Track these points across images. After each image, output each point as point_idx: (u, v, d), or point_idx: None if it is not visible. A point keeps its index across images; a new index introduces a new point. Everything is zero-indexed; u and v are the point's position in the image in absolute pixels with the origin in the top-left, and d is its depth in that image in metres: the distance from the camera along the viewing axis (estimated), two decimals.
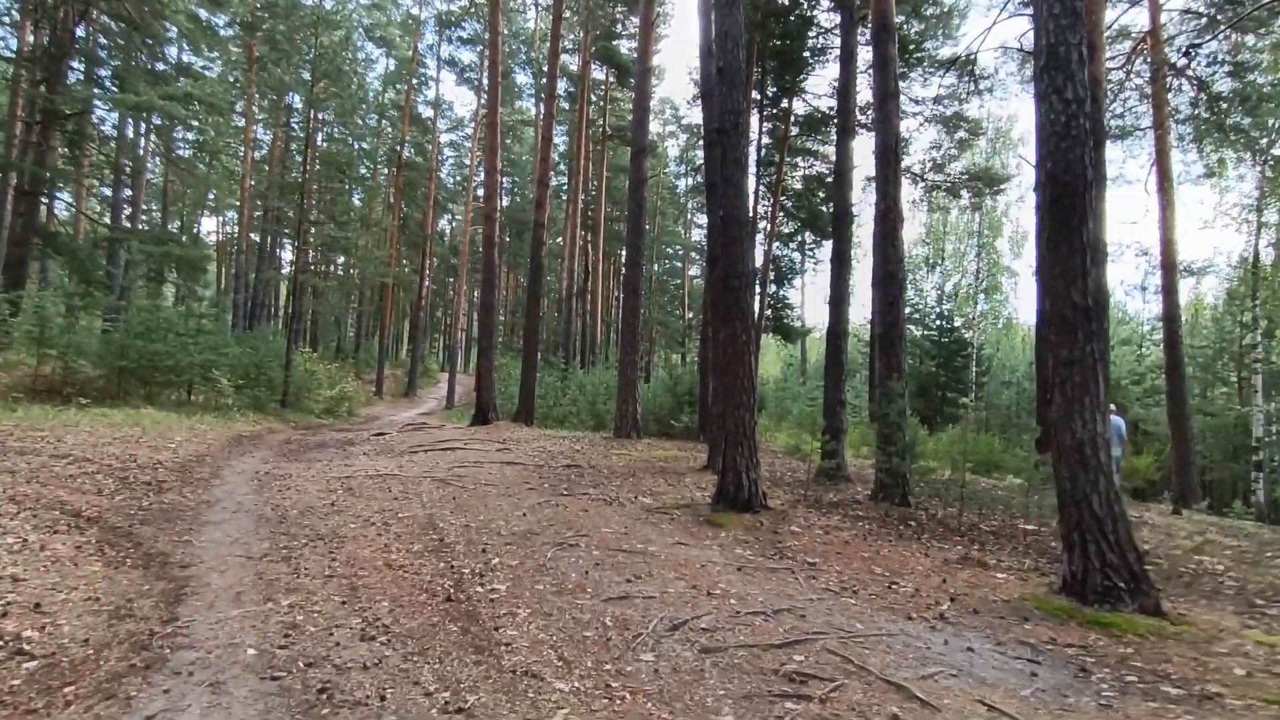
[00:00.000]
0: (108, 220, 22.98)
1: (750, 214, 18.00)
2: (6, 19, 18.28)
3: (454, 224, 53.48)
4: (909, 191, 25.13)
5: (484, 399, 16.40)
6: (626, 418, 14.01)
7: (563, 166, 40.03)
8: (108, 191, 28.94)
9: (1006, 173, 22.66)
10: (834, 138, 18.09)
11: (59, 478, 7.03)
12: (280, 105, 33.48)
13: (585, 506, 6.86)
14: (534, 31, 33.22)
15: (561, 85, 32.50)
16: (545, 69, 32.77)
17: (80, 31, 18.38)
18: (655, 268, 45.29)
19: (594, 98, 29.12)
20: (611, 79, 28.43)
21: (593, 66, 27.04)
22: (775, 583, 4.76)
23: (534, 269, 16.56)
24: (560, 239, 35.34)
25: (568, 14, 18.85)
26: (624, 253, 43.53)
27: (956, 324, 25.83)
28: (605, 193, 30.38)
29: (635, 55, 26.21)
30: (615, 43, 25.27)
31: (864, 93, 15.74)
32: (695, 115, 43.22)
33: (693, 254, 44.65)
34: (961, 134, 19.62)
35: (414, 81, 35.62)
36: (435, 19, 34.29)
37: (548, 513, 6.55)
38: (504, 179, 40.36)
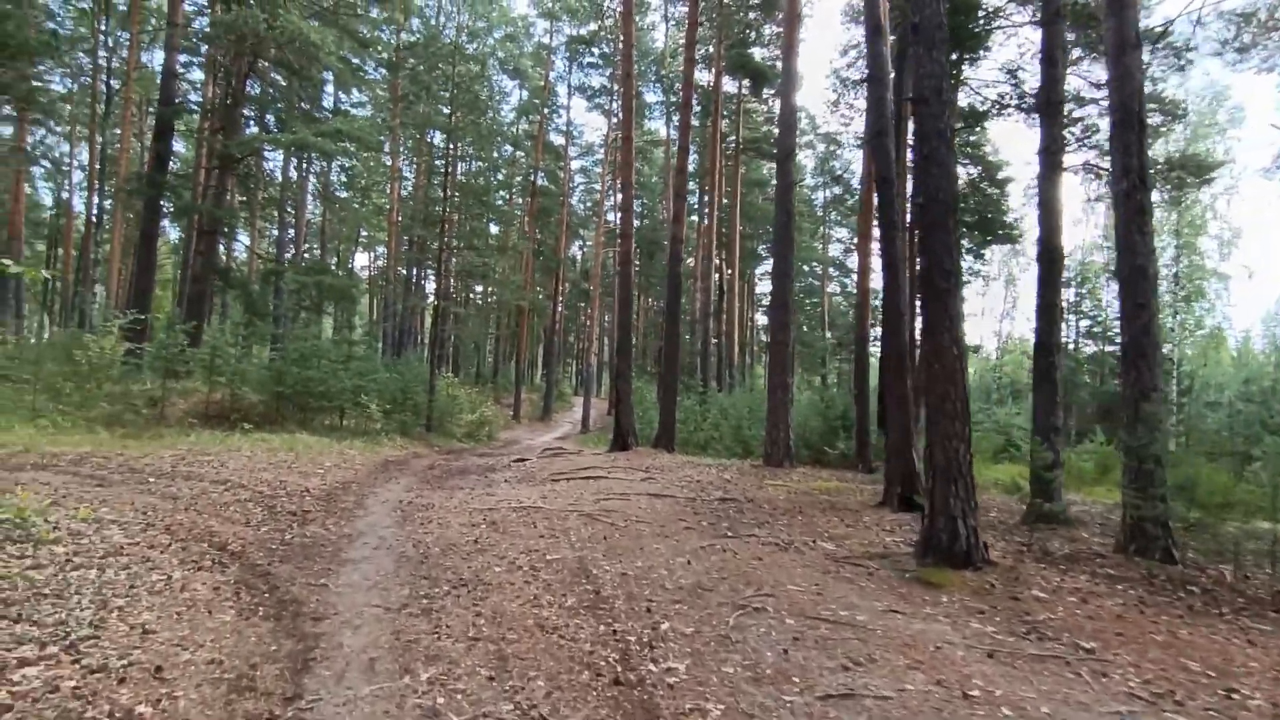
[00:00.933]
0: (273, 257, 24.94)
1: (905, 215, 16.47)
2: (191, 76, 20.07)
3: (585, 249, 54.53)
4: (1083, 189, 22.22)
5: (623, 424, 15.74)
6: (778, 444, 12.80)
7: (692, 185, 39.67)
8: (276, 232, 31.64)
9: (1215, 159, 19.42)
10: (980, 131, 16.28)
11: (214, 505, 6.90)
12: (422, 142, 35.32)
13: (757, 553, 5.80)
14: (663, 50, 33.05)
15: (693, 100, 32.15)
16: (673, 84, 32.66)
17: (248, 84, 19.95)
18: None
19: (725, 111, 28.33)
20: (745, 89, 27.51)
21: (725, 79, 26.25)
22: (1049, 679, 3.48)
23: (671, 287, 15.79)
24: (691, 259, 34.73)
25: (702, 20, 18.15)
26: (766, 269, 42.40)
27: None
28: (739, 209, 29.34)
29: (771, 62, 25.27)
30: (750, 50, 24.33)
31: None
32: (833, 124, 41.49)
33: (830, 270, 42.66)
34: (1157, 118, 16.97)
35: (545, 110, 36.50)
36: (565, 45, 34.99)
37: (715, 560, 5.56)
38: (635, 200, 40.43)
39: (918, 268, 7.26)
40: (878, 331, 20.50)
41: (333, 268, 25.94)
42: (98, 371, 12.41)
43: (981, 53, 15.70)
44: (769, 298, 13.17)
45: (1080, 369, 25.90)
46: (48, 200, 38.35)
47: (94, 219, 25.91)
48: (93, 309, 22.89)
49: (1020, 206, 27.26)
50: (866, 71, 9.43)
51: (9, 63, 12.19)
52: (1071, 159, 17.00)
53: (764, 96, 27.61)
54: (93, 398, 11.89)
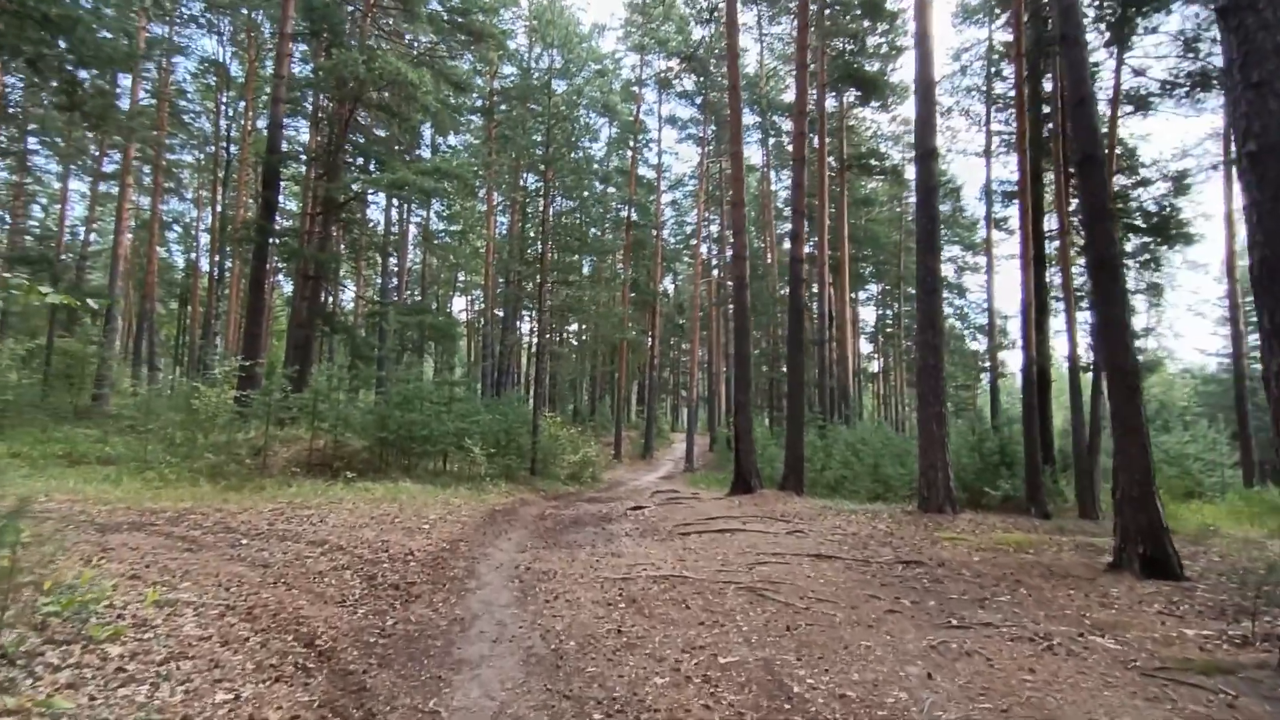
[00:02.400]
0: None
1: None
2: (297, 133, 20.44)
3: (678, 283, 53.65)
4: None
5: (744, 464, 14.17)
6: (935, 486, 10.88)
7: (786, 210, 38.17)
8: (380, 280, 32.29)
9: None
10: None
11: (308, 575, 5.88)
12: (516, 184, 35.47)
13: (1016, 658, 4.13)
14: (757, 73, 31.97)
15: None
16: (769, 106, 31.45)
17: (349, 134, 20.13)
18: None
19: (828, 129, 26.78)
20: (849, 102, 25.87)
21: (828, 95, 24.73)
22: None
23: (793, 310, 14.25)
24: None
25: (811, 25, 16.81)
26: (868, 294, 39.79)
27: None
28: (846, 230, 27.47)
29: (881, 71, 23.64)
30: (857, 59, 22.76)
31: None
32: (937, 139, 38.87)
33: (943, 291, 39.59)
34: None
35: (634, 143, 36.02)
36: (655, 81, 34.53)
37: (962, 669, 3.94)
38: (729, 230, 39.20)
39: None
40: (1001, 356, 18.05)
41: (429, 306, 25.79)
42: (206, 421, 12.06)
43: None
44: (916, 317, 11.38)
45: None
46: (180, 262, 41.01)
47: (215, 274, 27.06)
48: (212, 359, 23.63)
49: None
50: (1061, 32, 7.74)
51: (87, 70, 12.26)
52: None
53: (872, 105, 25.84)
54: (199, 448, 11.48)
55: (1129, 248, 17.83)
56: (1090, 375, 15.14)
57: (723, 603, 5.35)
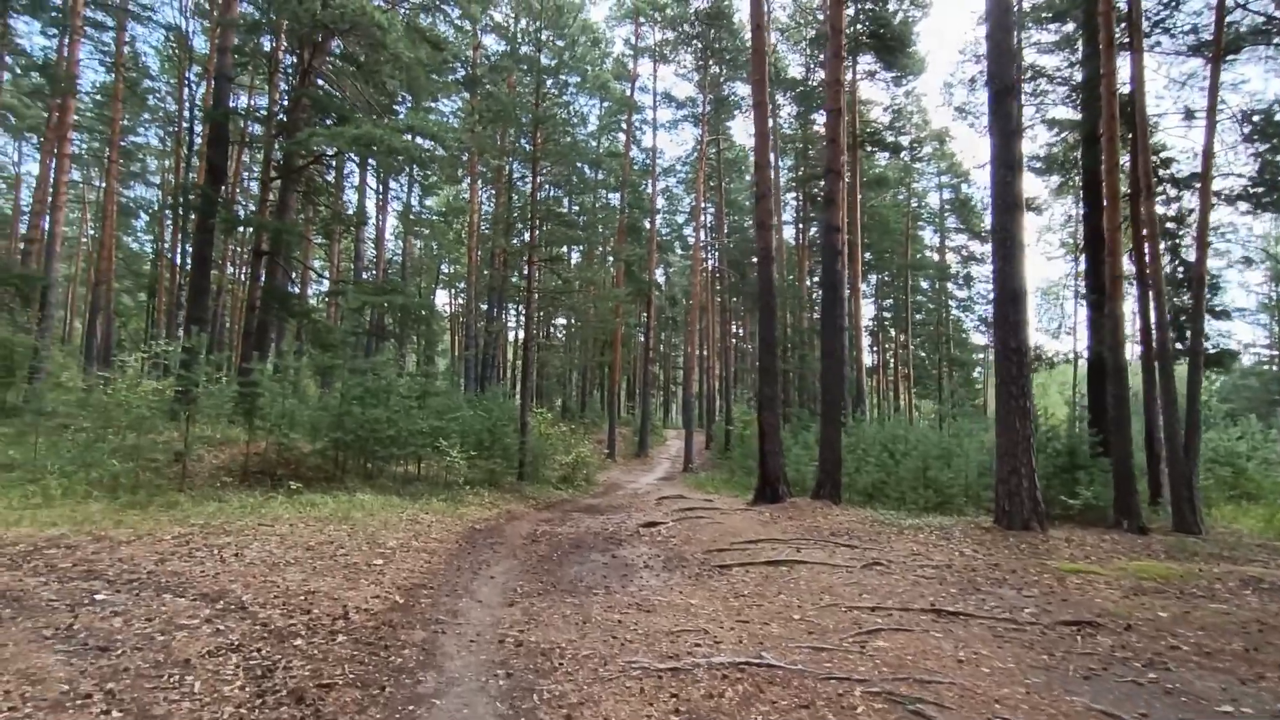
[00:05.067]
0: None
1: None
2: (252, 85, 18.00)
3: (669, 274, 51.52)
4: None
5: (770, 467, 11.99)
6: (1019, 497, 8.76)
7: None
8: (352, 266, 29.74)
9: None
10: None
11: (160, 670, 3.61)
12: (504, 153, 32.90)
13: None
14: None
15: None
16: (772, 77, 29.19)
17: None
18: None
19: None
20: (862, 73, 23.68)
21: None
22: None
23: (828, 288, 12.07)
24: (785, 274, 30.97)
25: None
26: (876, 281, 37.66)
27: None
28: (859, 212, 25.30)
29: (906, 24, 21.50)
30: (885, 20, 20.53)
31: None
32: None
33: (950, 285, 37.76)
34: None
35: (626, 124, 33.71)
36: (652, 53, 32.29)
37: None
38: (726, 218, 37.08)
39: None
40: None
41: (399, 283, 23.29)
42: (119, 421, 9.67)
43: None
44: (994, 295, 9.25)
45: None
46: (151, 251, 38.02)
47: (179, 263, 24.54)
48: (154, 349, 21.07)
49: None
50: None
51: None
52: None
53: (889, 75, 23.70)
54: (101, 453, 9.12)
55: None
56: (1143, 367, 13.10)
57: None
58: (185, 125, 26.19)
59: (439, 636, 4.47)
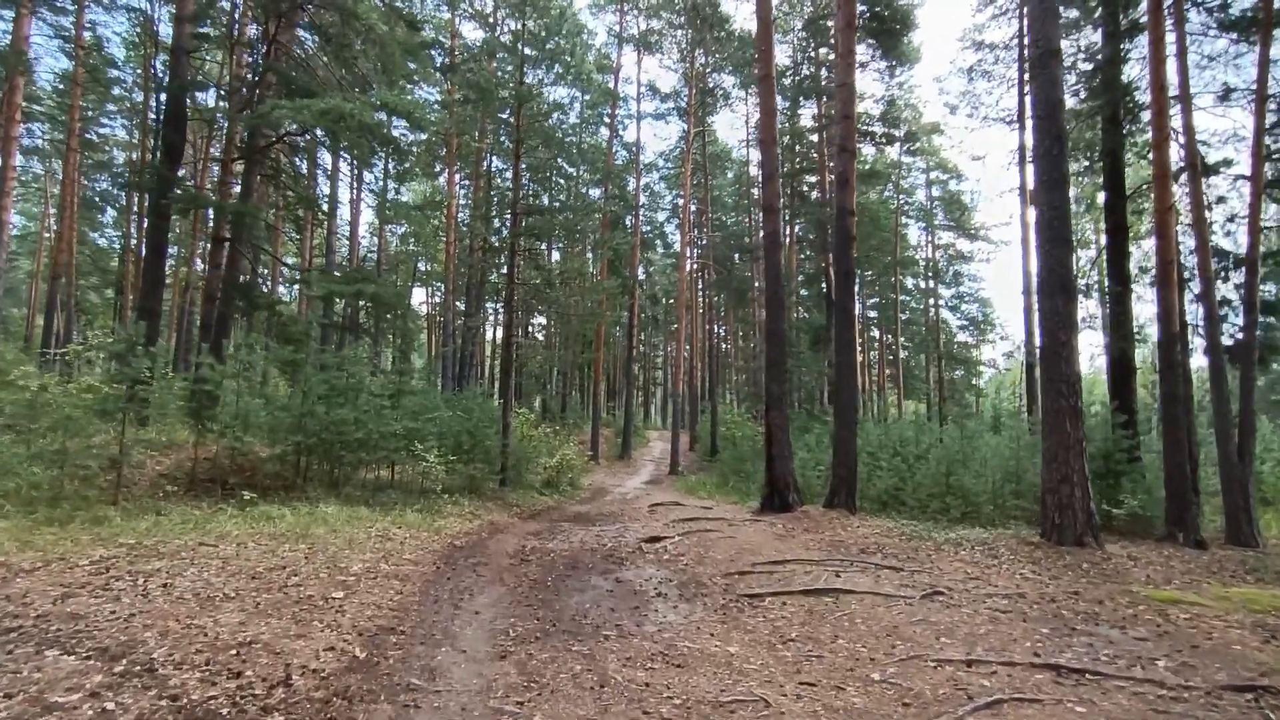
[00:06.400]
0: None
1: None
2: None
3: (650, 271, 50.44)
4: None
5: (778, 472, 10.98)
6: (1071, 509, 7.84)
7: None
8: (323, 261, 28.25)
9: None
10: None
11: None
12: (478, 165, 31.58)
13: None
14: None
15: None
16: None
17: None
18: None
19: (825, 95, 23.77)
20: (863, 58, 22.76)
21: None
22: None
23: (840, 275, 11.08)
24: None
25: None
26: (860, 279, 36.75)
27: None
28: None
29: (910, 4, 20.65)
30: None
31: None
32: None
33: (936, 283, 37.01)
34: None
35: (610, 117, 32.60)
36: (636, 42, 31.23)
37: None
38: (710, 214, 36.11)
39: None
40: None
41: (370, 271, 21.89)
42: (39, 420, 8.37)
43: None
44: (1040, 278, 8.31)
45: None
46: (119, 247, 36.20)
47: (144, 255, 22.90)
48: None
49: None
50: None
51: None
52: None
53: (883, 65, 22.87)
54: (18, 460, 7.83)
55: None
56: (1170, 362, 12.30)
57: None
58: (151, 112, 24.60)
59: (412, 703, 3.36)
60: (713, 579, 6.50)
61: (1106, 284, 16.40)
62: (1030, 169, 22.01)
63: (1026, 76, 20.96)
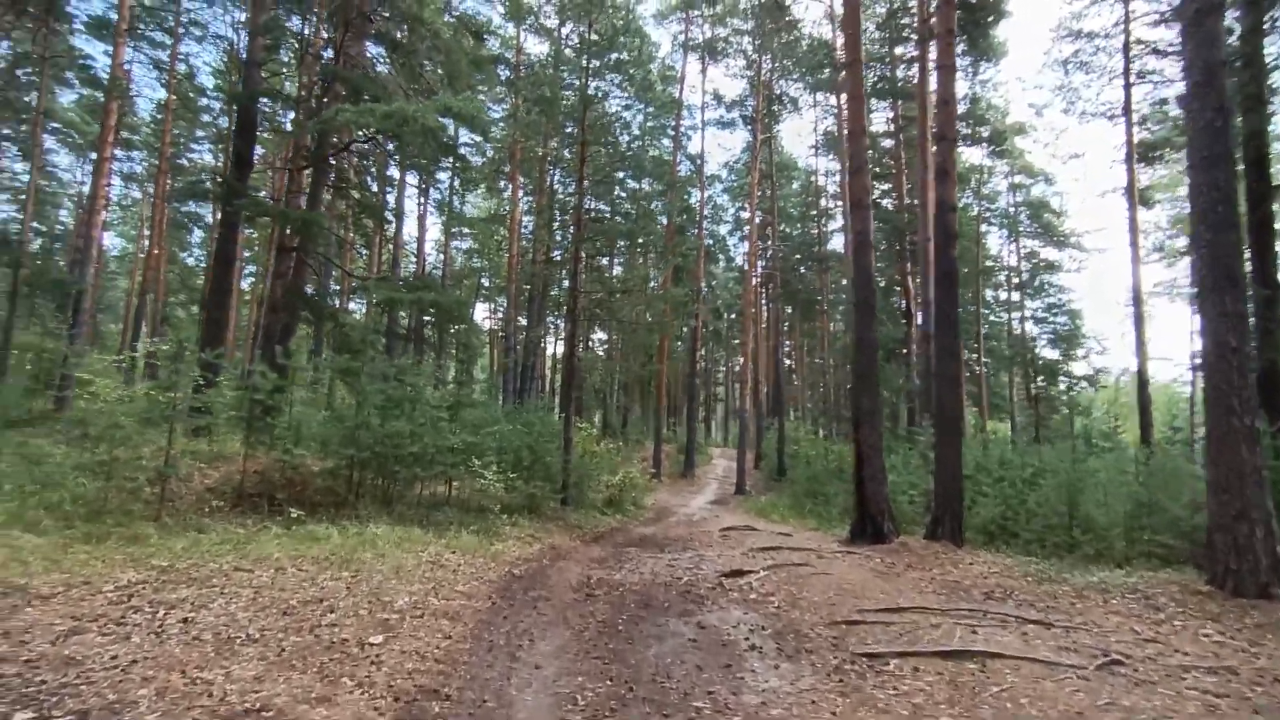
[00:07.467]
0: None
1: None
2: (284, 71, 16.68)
3: (713, 285, 49.37)
4: None
5: (871, 497, 9.80)
6: (1251, 551, 6.39)
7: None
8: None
9: None
10: None
11: None
12: (543, 185, 31.34)
13: None
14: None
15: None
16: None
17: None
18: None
19: (904, 95, 22.37)
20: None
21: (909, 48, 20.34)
22: None
23: (942, 276, 9.86)
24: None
25: None
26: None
27: None
28: (931, 211, 22.86)
29: None
30: None
31: None
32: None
33: (1016, 294, 34.66)
34: None
35: (675, 128, 31.89)
36: (702, 49, 30.54)
37: None
38: (776, 225, 34.88)
39: None
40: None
41: (435, 280, 21.59)
42: (106, 431, 7.99)
43: None
44: (1201, 273, 6.94)
45: None
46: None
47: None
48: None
49: None
50: None
51: None
52: None
53: (969, 60, 21.41)
54: (60, 470, 7.43)
55: None
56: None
57: None
58: (228, 130, 25.33)
59: None
60: (815, 629, 5.45)
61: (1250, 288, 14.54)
62: (1138, 167, 20.26)
63: (1133, 66, 19.29)
